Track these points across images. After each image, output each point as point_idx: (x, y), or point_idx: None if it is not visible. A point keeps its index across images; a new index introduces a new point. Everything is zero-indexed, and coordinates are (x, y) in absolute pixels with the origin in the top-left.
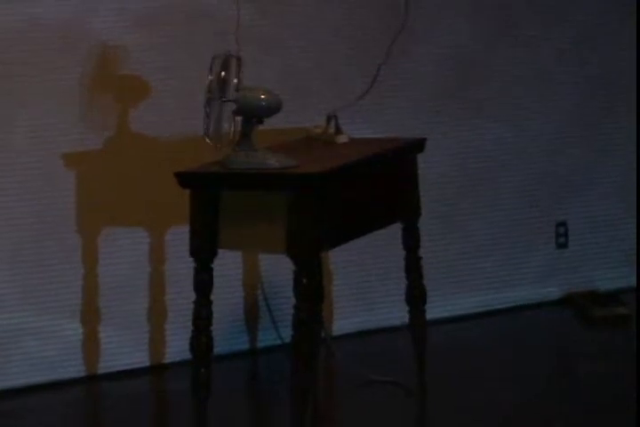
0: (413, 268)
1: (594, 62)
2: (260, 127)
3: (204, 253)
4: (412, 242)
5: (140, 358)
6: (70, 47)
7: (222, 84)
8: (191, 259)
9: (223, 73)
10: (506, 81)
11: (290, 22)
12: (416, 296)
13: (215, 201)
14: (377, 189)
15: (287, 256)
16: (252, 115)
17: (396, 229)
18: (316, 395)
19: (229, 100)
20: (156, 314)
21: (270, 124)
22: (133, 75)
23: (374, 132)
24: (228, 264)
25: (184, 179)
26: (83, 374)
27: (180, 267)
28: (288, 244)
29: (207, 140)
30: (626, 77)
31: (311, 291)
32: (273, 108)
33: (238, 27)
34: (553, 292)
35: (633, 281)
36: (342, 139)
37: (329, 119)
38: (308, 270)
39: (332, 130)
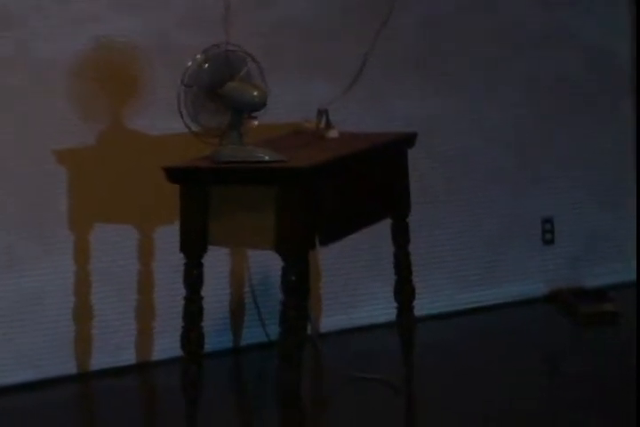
0: (403, 264)
1: (585, 48)
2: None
3: (194, 248)
4: (401, 238)
5: (128, 356)
6: (63, 41)
7: (213, 76)
8: (180, 256)
9: (206, 65)
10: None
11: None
12: (405, 293)
13: (204, 196)
14: (367, 184)
15: (276, 253)
16: (241, 109)
17: (385, 225)
18: (302, 392)
19: (213, 92)
20: (145, 311)
21: (261, 118)
22: (127, 70)
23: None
24: (214, 260)
25: (172, 174)
26: (73, 371)
27: (169, 264)
28: (276, 239)
29: (189, 129)
30: (621, 69)
31: (299, 288)
32: (261, 103)
33: (228, 19)
34: (539, 288)
35: (619, 278)
36: (332, 134)
37: (319, 114)
38: (296, 267)
39: (322, 124)
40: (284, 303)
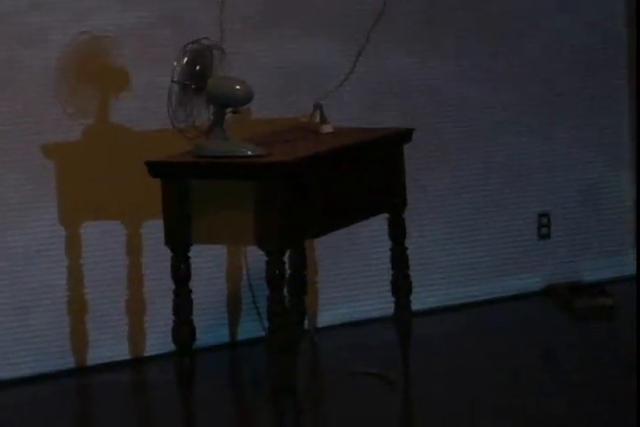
0: (399, 258)
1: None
2: (255, 116)
3: (178, 242)
4: (397, 233)
5: (120, 351)
6: (51, 36)
7: (196, 72)
8: (168, 251)
9: (197, 65)
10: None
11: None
12: (401, 287)
13: (186, 190)
14: (359, 178)
15: (257, 247)
16: (224, 104)
17: (382, 220)
18: (296, 387)
19: (199, 88)
20: (136, 307)
21: (264, 113)
22: (114, 65)
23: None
24: (211, 254)
25: (154, 168)
26: (67, 366)
27: (158, 259)
28: (257, 235)
29: (174, 126)
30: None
31: (285, 282)
32: (244, 98)
33: (222, 14)
34: (535, 283)
35: (616, 272)
36: (326, 128)
37: (315, 108)
38: (279, 261)
39: (317, 119)
40: (270, 298)
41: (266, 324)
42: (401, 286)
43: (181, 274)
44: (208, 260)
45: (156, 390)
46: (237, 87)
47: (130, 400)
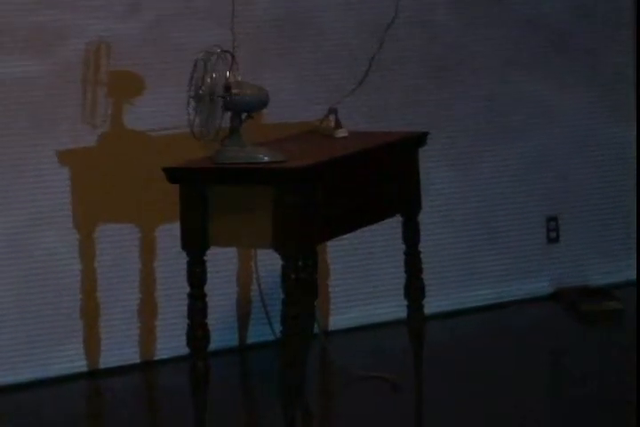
0: (413, 262)
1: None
2: (269, 121)
3: (194, 246)
4: (411, 236)
5: (131, 355)
6: (65, 41)
7: (211, 79)
8: (183, 255)
9: (215, 72)
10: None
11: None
12: (415, 291)
13: (203, 196)
14: (373, 182)
15: (275, 251)
16: (241, 110)
17: (395, 223)
18: (306, 391)
19: (218, 96)
20: (148, 310)
21: (279, 117)
22: (127, 70)
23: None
24: (221, 258)
25: (172, 174)
26: (79, 370)
27: (172, 262)
28: (274, 239)
29: (195, 136)
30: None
31: (299, 286)
32: (261, 103)
33: (233, 19)
34: (544, 287)
35: (624, 276)
36: (341, 133)
37: (329, 113)
38: (295, 265)
39: (331, 124)
40: (285, 302)
41: (275, 328)
42: (414, 289)
43: (197, 277)
44: (218, 264)
45: (167, 393)
46: (254, 93)
47: (142, 404)
